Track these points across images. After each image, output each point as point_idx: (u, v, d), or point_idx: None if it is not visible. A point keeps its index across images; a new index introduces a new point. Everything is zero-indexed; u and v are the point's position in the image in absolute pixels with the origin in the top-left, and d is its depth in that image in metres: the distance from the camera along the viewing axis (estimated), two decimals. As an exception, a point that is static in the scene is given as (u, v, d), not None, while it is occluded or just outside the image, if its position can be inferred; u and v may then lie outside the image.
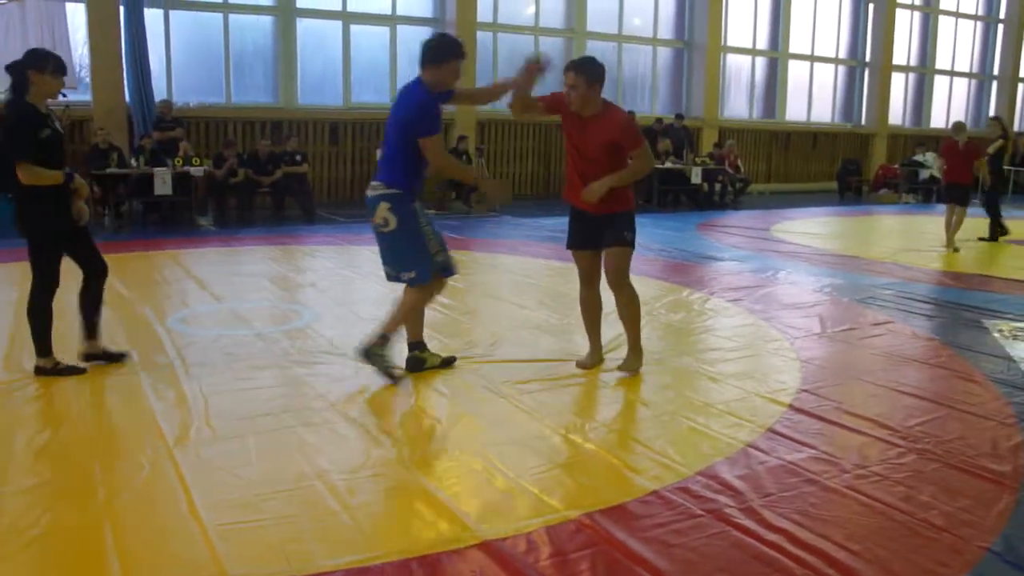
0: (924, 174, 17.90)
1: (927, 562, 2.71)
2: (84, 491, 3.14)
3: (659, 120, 16.29)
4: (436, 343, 5.27)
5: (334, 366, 4.78)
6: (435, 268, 4.50)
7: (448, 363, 4.79)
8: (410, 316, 4.61)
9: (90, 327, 4.71)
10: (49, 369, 4.50)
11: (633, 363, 4.72)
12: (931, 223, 13.67)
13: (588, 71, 4.45)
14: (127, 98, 12.38)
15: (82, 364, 4.64)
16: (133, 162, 11.33)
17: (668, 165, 14.95)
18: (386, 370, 4.45)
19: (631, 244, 4.65)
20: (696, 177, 14.99)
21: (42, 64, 4.30)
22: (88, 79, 12.34)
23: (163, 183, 11.01)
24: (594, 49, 16.98)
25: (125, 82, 12.32)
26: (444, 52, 4.36)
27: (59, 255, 4.52)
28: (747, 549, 2.77)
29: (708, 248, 9.77)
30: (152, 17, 12.66)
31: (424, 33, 15.07)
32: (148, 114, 12.35)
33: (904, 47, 21.36)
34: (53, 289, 4.55)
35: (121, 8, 12.16)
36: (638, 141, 4.49)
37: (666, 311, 6.32)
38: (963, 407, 4.21)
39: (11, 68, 4.31)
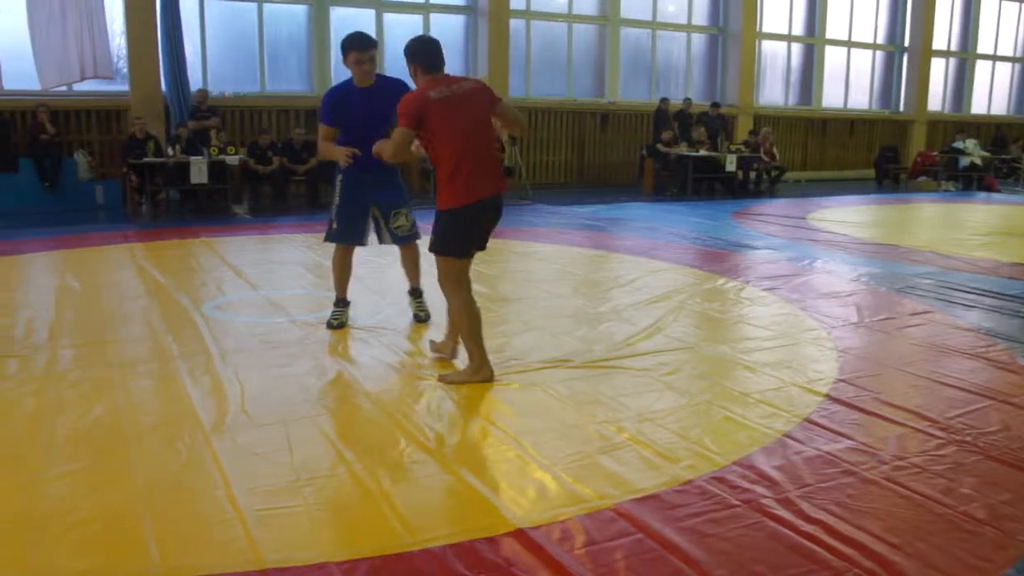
0: (964, 161, 17.58)
1: (968, 556, 2.66)
2: (123, 476, 3.18)
3: (687, 100, 16.12)
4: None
5: (368, 354, 4.80)
6: (330, 233, 5.21)
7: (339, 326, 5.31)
8: (334, 271, 5.36)
9: None
10: None
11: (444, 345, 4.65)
12: (971, 211, 13.44)
13: (405, 50, 4.20)
14: (163, 87, 12.51)
15: None
16: (170, 151, 11.45)
17: (702, 153, 14.82)
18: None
19: (433, 249, 4.23)
20: (731, 165, 14.85)
21: None
22: (125, 69, 12.47)
23: (199, 172, 11.12)
24: (628, 36, 16.89)
25: (161, 72, 12.44)
26: (343, 47, 4.89)
27: None
28: (783, 540, 2.74)
29: (743, 236, 9.68)
30: (187, 7, 12.76)
31: (458, 22, 15.08)
32: (184, 103, 12.46)
33: (945, 31, 20.96)
34: None
35: (157, -2, 12.29)
36: (396, 121, 4.07)
37: (701, 300, 6.27)
38: (1005, 398, 4.13)
39: None
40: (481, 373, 4.27)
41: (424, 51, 4.13)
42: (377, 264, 7.48)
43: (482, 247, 4.37)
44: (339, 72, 14.03)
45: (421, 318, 5.45)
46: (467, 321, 4.24)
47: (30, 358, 4.65)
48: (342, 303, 5.36)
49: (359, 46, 4.81)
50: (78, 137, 12.21)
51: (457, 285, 4.24)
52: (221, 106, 12.78)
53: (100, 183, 11.97)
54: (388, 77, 5.08)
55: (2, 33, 11.68)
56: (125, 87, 12.45)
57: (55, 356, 4.69)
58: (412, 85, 4.36)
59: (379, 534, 2.77)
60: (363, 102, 4.89)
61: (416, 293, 5.51)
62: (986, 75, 22.15)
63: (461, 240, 4.21)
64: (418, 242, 5.32)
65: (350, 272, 5.34)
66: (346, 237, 5.21)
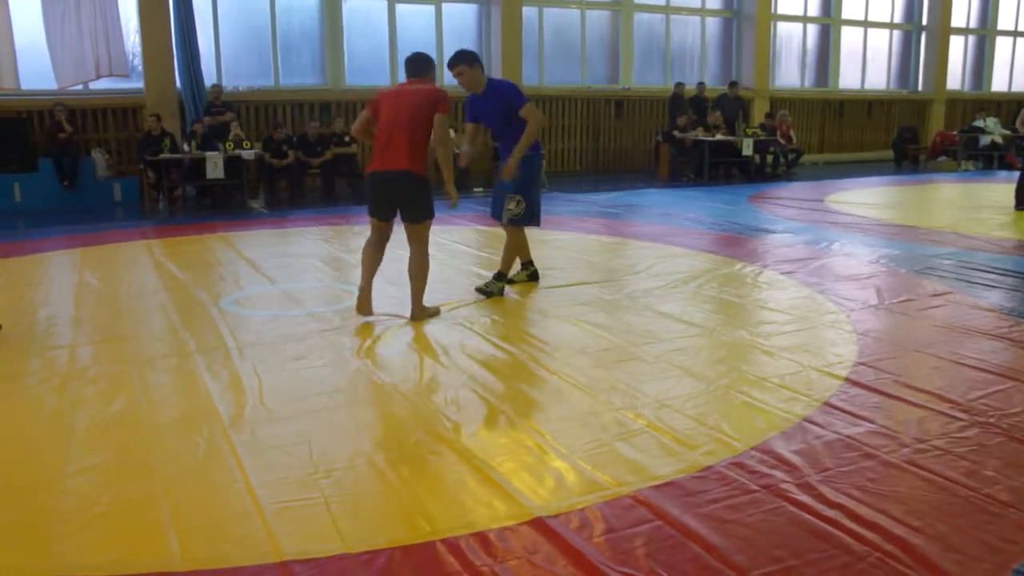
0: (985, 140, 17.37)
1: (992, 539, 2.63)
2: (143, 470, 3.21)
3: (700, 84, 15.97)
4: (487, 319, 5.28)
5: (386, 345, 4.81)
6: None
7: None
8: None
9: None
10: None
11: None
12: (992, 190, 13.29)
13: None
14: (178, 84, 12.55)
15: None
16: (185, 147, 11.50)
17: (718, 137, 14.71)
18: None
19: None
20: (747, 149, 14.73)
21: None
22: (140, 67, 12.52)
23: (215, 167, 11.17)
24: (641, 21, 16.78)
25: (176, 68, 12.49)
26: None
27: None
28: (804, 525, 2.72)
29: (760, 220, 9.61)
30: (200, 3, 12.79)
31: (470, 12, 15.03)
32: (199, 99, 12.51)
33: (963, 8, 20.68)
34: None
35: (170, -5, 12.32)
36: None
37: (718, 285, 6.24)
38: (1028, 379, 4.08)
39: None
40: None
41: (405, 64, 5.37)
42: (394, 255, 7.49)
43: (397, 215, 5.27)
44: (352, 65, 14.06)
45: (483, 292, 5.97)
46: (363, 258, 5.39)
47: (51, 355, 4.69)
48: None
49: (448, 64, 5.68)
50: (95, 136, 12.29)
51: (371, 233, 5.39)
52: (236, 101, 12.82)
53: (118, 181, 12.06)
54: (498, 80, 5.91)
55: (18, 33, 11.75)
56: (140, 84, 12.52)
57: (75, 353, 4.73)
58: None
59: (398, 525, 2.77)
60: (481, 104, 5.83)
61: (499, 276, 6.07)
62: (1007, 51, 21.84)
63: (368, 200, 5.32)
64: (524, 229, 6.07)
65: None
66: (492, 212, 6.27)
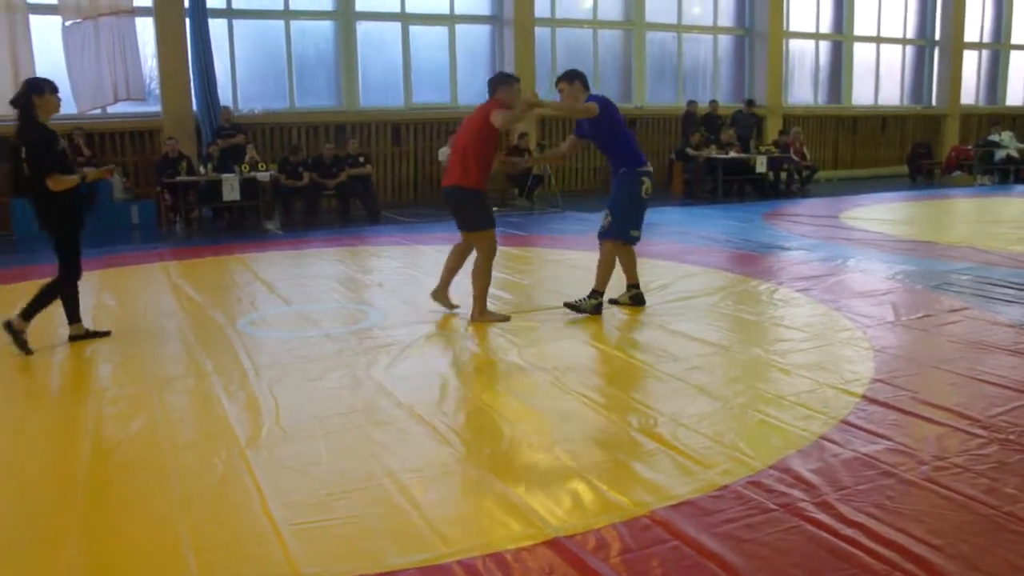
0: (1000, 154, 17.29)
1: (1015, 557, 2.61)
2: (161, 491, 3.22)
3: (713, 102, 15.96)
4: (503, 339, 5.29)
5: (402, 365, 4.82)
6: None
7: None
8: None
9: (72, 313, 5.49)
10: (81, 335, 5.42)
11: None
12: (1009, 205, 13.22)
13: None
14: (194, 107, 12.68)
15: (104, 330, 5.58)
16: (202, 169, 11.60)
17: (732, 155, 14.70)
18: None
19: None
20: (761, 166, 14.71)
21: (40, 88, 5.04)
22: (158, 91, 12.66)
23: (231, 189, 11.25)
24: (653, 40, 16.83)
25: (192, 92, 12.62)
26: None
27: (80, 246, 5.25)
28: (822, 544, 2.70)
29: (775, 238, 9.59)
30: (216, 27, 12.94)
31: (483, 32, 15.11)
32: (215, 122, 12.62)
33: (977, 22, 20.64)
34: (80, 275, 5.39)
35: (187, 20, 12.46)
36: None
37: (734, 302, 6.22)
38: (1048, 395, 4.05)
39: (16, 100, 4.99)
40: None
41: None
42: (408, 275, 7.53)
43: (459, 227, 5.81)
44: (367, 86, 14.17)
45: (572, 307, 5.88)
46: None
47: (70, 376, 4.72)
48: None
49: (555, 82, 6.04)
50: (113, 159, 12.39)
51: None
52: (251, 123, 12.92)
53: (135, 203, 12.16)
54: (594, 95, 5.90)
55: (39, 60, 11.89)
56: (157, 108, 12.65)
57: (94, 374, 4.76)
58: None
59: (415, 545, 2.77)
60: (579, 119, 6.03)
61: (592, 294, 5.91)
62: (1021, 65, 21.74)
63: None
64: (613, 242, 5.92)
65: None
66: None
